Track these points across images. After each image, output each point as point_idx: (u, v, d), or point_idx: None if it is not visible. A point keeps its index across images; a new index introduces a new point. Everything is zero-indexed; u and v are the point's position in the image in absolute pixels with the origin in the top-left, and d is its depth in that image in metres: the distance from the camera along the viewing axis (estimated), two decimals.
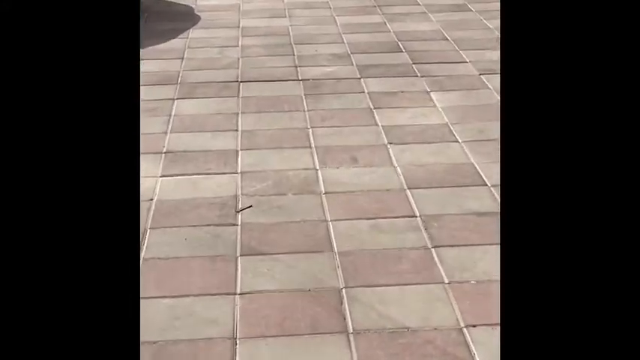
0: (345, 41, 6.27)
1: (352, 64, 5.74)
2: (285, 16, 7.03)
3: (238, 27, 6.72)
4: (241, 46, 6.21)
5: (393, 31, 6.48)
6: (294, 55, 5.98)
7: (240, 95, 5.20)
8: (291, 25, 6.74)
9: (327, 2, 7.45)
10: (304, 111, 4.92)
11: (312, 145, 4.43)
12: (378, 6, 7.25)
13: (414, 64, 5.71)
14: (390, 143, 4.44)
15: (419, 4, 7.27)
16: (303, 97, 5.15)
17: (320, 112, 4.90)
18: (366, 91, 5.23)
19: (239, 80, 5.46)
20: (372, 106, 4.96)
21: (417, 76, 5.48)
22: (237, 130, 4.65)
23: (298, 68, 5.67)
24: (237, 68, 5.70)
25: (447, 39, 6.27)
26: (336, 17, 6.95)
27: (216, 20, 6.92)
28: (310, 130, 4.64)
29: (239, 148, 4.42)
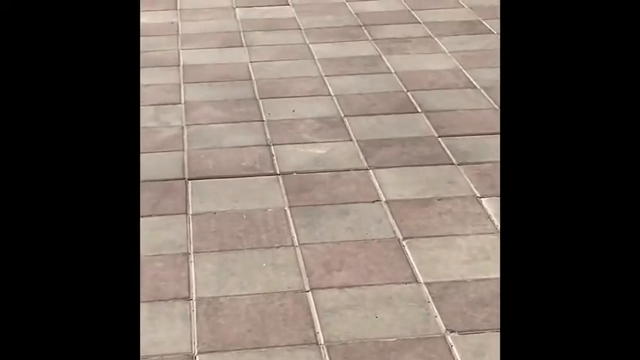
0: (332, 92, 4.43)
1: (351, 139, 3.91)
2: (242, 44, 5.15)
3: (178, 65, 4.84)
4: (185, 103, 4.34)
5: (396, 72, 4.66)
6: (262, 120, 4.13)
7: (190, 210, 3.35)
8: (251, 62, 4.87)
9: (295, 20, 5.58)
10: (294, 246, 3.11)
11: (321, 340, 2.62)
12: (365, 25, 5.41)
13: (440, 137, 3.91)
14: (451, 331, 2.65)
15: (419, 22, 5.44)
16: (288, 212, 3.32)
17: (319, 248, 3.09)
18: (382, 197, 3.41)
19: (186, 177, 3.61)
20: (399, 234, 3.16)
21: (451, 162, 3.68)
22: (189, 299, 2.82)
23: (273, 149, 3.83)
24: (183, 150, 3.84)
25: (474, 85, 4.47)
26: (311, 46, 5.09)
27: (148, 52, 5.02)
28: (310, 294, 2.83)
29: (195, 351, 2.59)
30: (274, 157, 3.75)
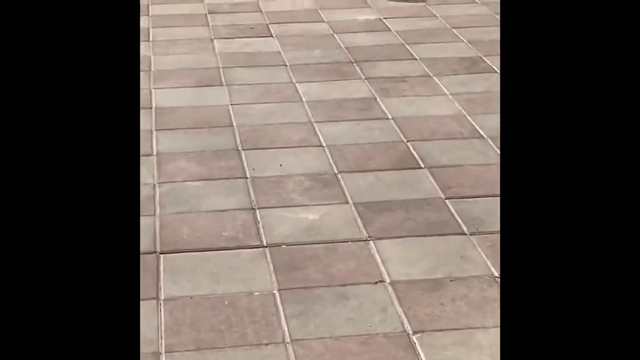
0: (323, 141, 3.97)
1: (346, 201, 3.44)
2: (222, 83, 4.68)
3: (151, 108, 4.36)
4: (157, 155, 3.85)
5: (393, 118, 4.20)
6: (246, 177, 3.65)
7: (162, 293, 2.87)
8: (232, 105, 4.39)
9: (280, 54, 5.12)
10: (285, 343, 2.63)
11: None
12: (356, 62, 4.95)
13: (448, 199, 3.45)
14: None
15: (415, 59, 4.99)
16: (277, 297, 2.85)
17: (315, 345, 2.61)
18: (386, 276, 2.95)
19: (158, 250, 3.12)
20: (408, 327, 2.69)
21: (462, 232, 3.21)
22: None
23: (258, 214, 3.35)
24: (154, 215, 3.35)
25: (480, 135, 4.01)
26: (298, 86, 4.62)
27: None
28: None
29: None
30: (260, 225, 3.27)
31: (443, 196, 3.46)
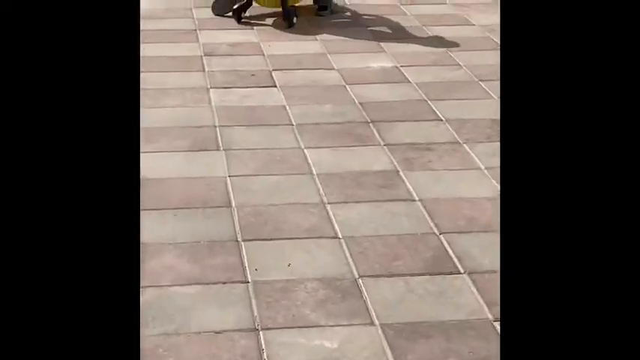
0: (339, 231, 3.31)
1: (371, 321, 2.79)
2: (218, 147, 4.02)
3: None
4: (143, 246, 3.20)
5: (421, 200, 3.55)
6: (247, 280, 3.00)
7: None
8: (230, 177, 3.74)
9: (285, 109, 4.47)
10: None
11: None
12: (373, 122, 4.30)
13: (496, 321, 2.80)
14: None
15: (440, 119, 4.35)
16: None
17: None
18: None
19: None
20: None
21: None
22: None
23: (262, 338, 2.70)
24: None
25: None
26: (307, 153, 3.97)
27: None
28: None
29: None
30: (264, 355, 2.61)
31: (490, 317, 2.81)
